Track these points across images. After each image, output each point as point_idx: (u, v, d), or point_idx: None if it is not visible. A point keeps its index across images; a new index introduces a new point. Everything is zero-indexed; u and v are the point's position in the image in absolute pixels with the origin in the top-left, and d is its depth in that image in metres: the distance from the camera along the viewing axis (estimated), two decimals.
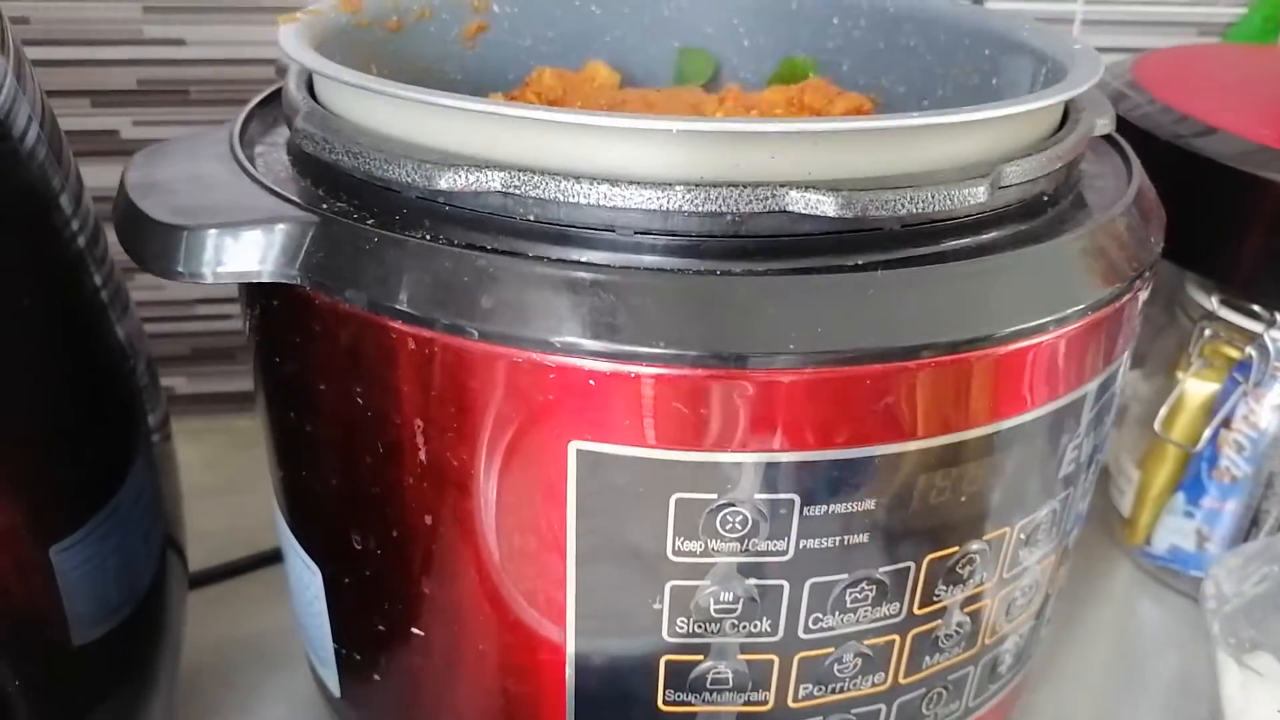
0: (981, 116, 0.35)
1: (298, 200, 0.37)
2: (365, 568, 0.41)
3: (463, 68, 0.58)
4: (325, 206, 0.38)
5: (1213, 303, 0.62)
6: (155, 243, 0.36)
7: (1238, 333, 0.62)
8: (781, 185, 0.33)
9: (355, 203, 0.38)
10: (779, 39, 0.61)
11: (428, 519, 0.37)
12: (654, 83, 0.62)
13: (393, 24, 0.53)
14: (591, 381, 0.33)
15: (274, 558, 0.67)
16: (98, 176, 0.77)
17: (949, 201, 0.34)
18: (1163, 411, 0.65)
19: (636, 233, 0.34)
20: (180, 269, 0.36)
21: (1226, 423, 0.63)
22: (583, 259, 0.34)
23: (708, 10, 0.61)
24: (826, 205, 0.33)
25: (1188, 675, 0.64)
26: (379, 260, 0.35)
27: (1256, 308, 0.60)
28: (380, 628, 0.42)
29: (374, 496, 0.39)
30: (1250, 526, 0.65)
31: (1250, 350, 0.61)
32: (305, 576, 0.45)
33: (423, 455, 0.36)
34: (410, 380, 0.35)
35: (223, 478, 0.73)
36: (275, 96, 0.49)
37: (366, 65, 0.52)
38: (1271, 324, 0.60)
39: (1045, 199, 0.40)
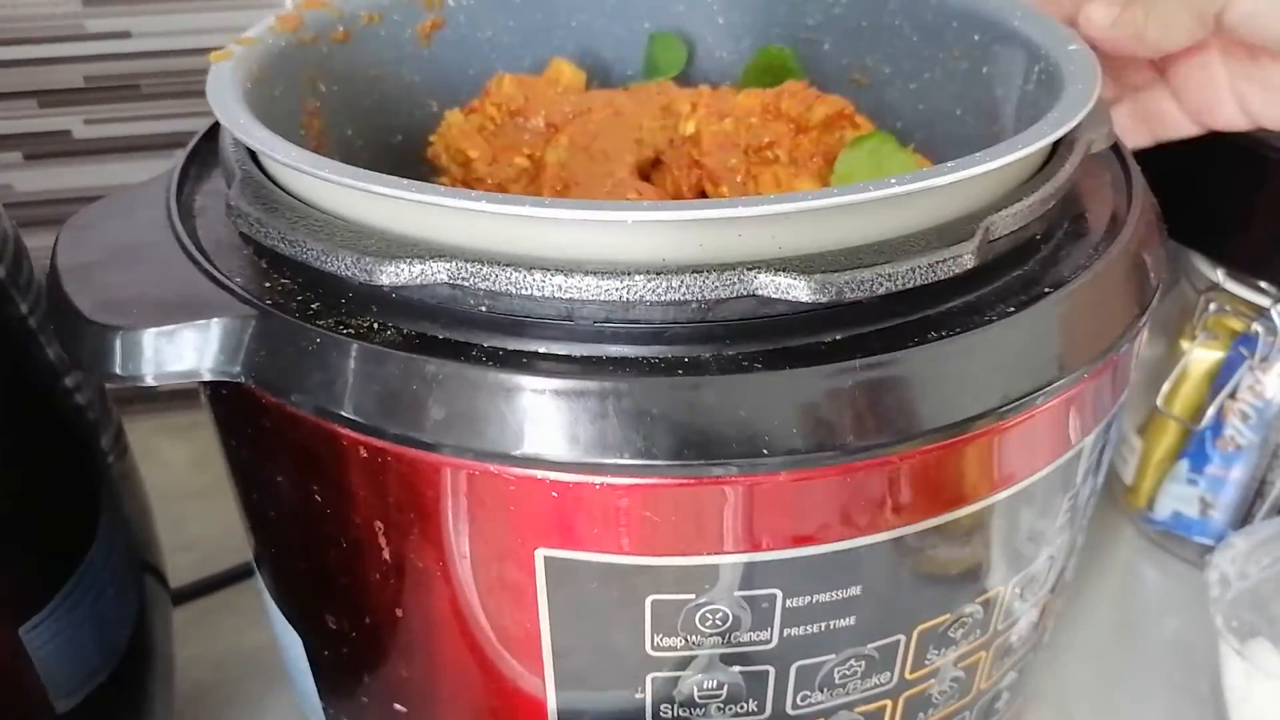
0: (969, 174, 0.32)
1: (238, 287, 0.35)
2: (343, 646, 0.40)
3: (420, 69, 0.54)
4: (269, 286, 0.36)
5: (1218, 275, 0.60)
6: (89, 343, 0.34)
7: (1243, 305, 0.60)
8: (750, 268, 0.31)
9: (300, 281, 0.35)
10: (755, 15, 0.57)
11: (398, 611, 0.36)
12: (625, 69, 0.59)
13: (339, 35, 0.50)
14: (554, 493, 0.31)
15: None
16: (56, 178, 0.75)
17: (932, 273, 0.32)
18: (1165, 387, 0.63)
19: (596, 322, 0.32)
20: (117, 371, 0.34)
21: (1231, 394, 0.61)
22: (540, 350, 0.32)
23: None
24: (799, 290, 0.31)
25: (1189, 643, 0.63)
26: (323, 363, 0.32)
27: (1264, 284, 0.58)
28: (363, 699, 0.41)
29: (343, 585, 0.37)
30: (1255, 497, 0.63)
31: (1257, 326, 0.59)
32: (288, 637, 0.44)
33: (386, 555, 0.35)
34: (365, 485, 0.33)
35: (212, 477, 0.67)
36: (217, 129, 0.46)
37: (313, 85, 0.49)
38: (1278, 300, 0.57)
39: (1037, 239, 0.37)
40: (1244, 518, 0.64)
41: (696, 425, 0.30)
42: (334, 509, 0.35)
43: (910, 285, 0.32)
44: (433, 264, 0.32)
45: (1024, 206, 0.34)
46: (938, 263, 0.32)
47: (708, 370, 0.31)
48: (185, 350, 0.33)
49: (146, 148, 0.72)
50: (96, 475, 0.46)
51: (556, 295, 0.31)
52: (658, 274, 0.31)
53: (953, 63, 0.51)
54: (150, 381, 0.34)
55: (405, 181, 0.32)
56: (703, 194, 0.47)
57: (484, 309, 0.32)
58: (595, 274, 0.31)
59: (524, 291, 0.31)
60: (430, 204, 0.31)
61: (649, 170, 0.49)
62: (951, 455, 0.32)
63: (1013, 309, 0.34)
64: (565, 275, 0.31)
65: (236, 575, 0.65)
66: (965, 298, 0.34)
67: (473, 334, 0.33)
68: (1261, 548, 0.57)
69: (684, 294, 0.31)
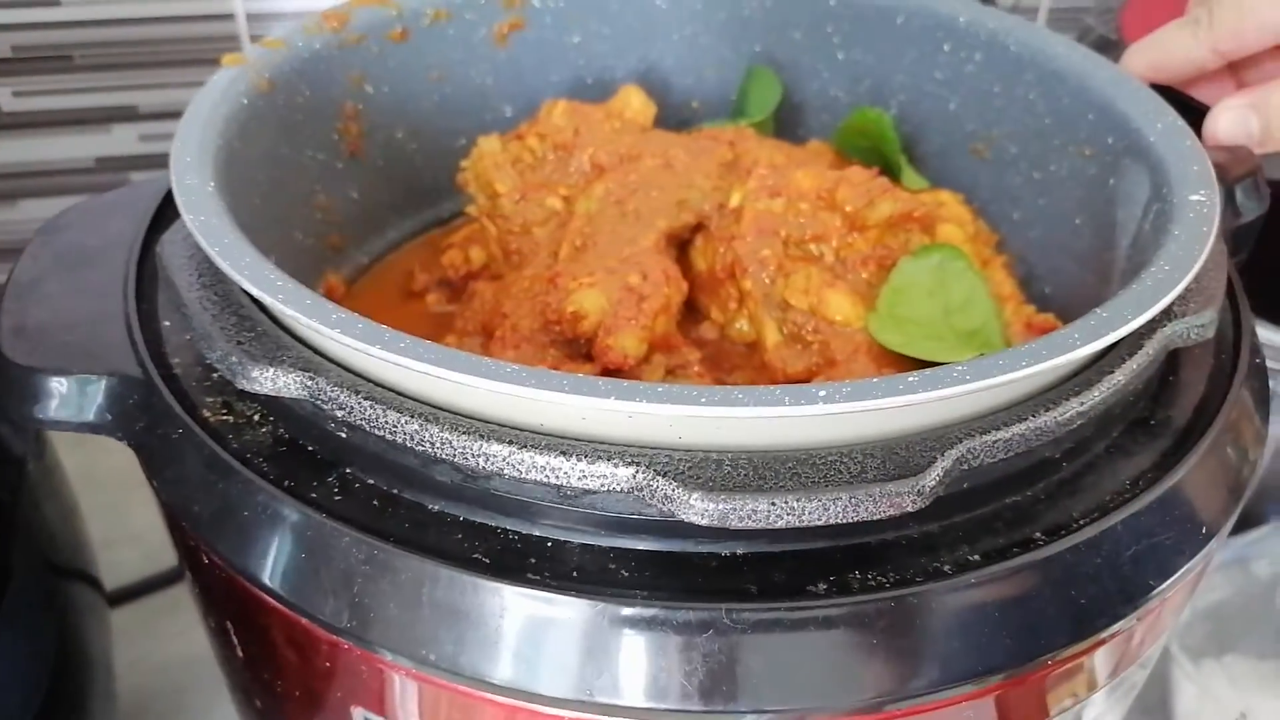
0: (922, 399, 0.25)
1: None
2: None
3: (494, 71, 0.50)
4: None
5: None
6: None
7: None
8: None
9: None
10: (880, 57, 0.49)
11: None
12: (717, 97, 0.52)
13: (396, 33, 0.46)
14: None
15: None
16: None
17: (853, 513, 0.25)
18: None
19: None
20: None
21: None
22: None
23: (797, 14, 0.50)
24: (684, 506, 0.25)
25: None
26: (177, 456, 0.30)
27: None
28: None
29: None
30: None
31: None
32: None
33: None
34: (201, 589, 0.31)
35: None
36: None
37: (357, 86, 0.46)
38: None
39: (1055, 459, 0.29)
40: None
41: None
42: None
43: (824, 523, 0.25)
44: (295, 375, 0.28)
45: (1018, 433, 0.27)
46: (860, 501, 0.25)
47: None
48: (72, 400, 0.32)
49: (80, 122, 0.68)
50: (8, 487, 0.42)
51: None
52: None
53: (1082, 162, 0.42)
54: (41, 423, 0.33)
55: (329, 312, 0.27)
56: (732, 276, 0.41)
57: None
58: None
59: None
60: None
61: (688, 236, 0.43)
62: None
63: (977, 559, 0.27)
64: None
65: (181, 572, 0.58)
66: (923, 527, 0.28)
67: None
68: (1221, 570, 0.53)
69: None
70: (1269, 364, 0.52)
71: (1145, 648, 0.31)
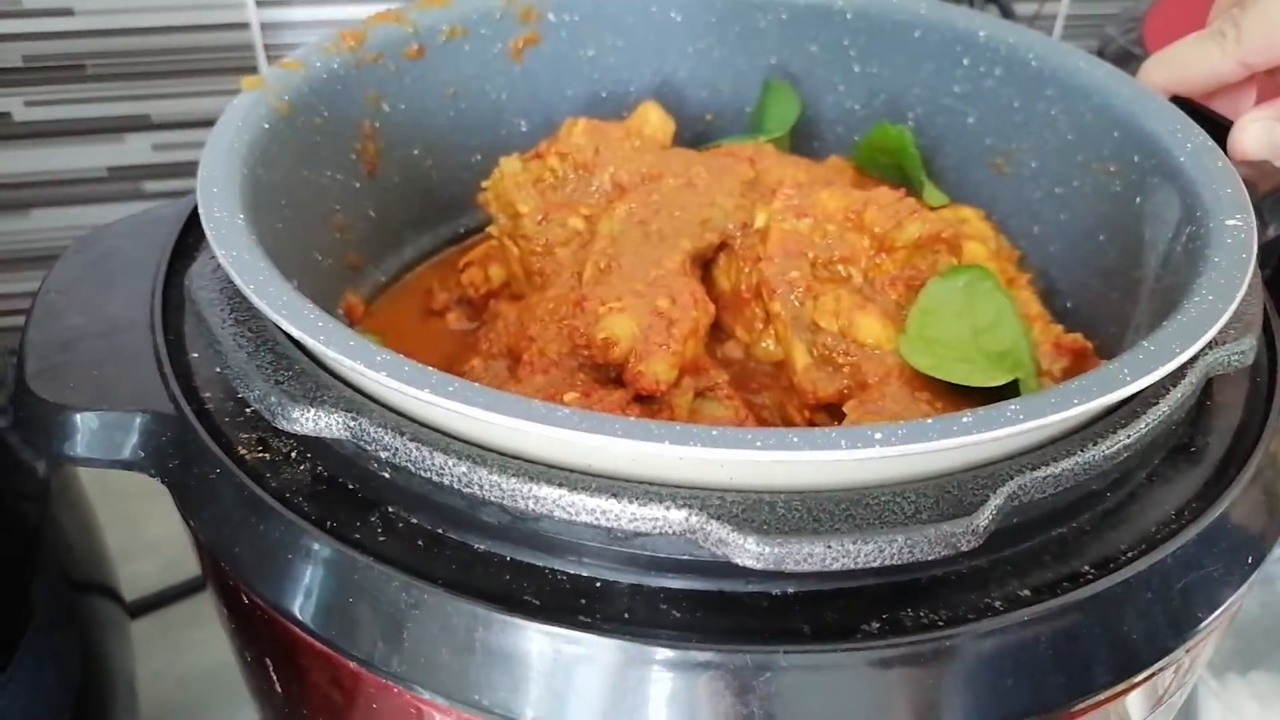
0: (973, 440, 0.25)
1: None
2: None
3: (509, 86, 0.50)
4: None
5: None
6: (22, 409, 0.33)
7: None
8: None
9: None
10: (896, 70, 0.49)
11: None
12: (732, 110, 0.52)
13: (412, 51, 0.46)
14: None
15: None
16: None
17: (910, 554, 0.25)
18: None
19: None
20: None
21: None
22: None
23: (813, 27, 0.50)
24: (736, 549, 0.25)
25: None
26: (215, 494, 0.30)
27: None
28: None
29: None
30: None
31: None
32: None
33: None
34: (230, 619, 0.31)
35: None
36: None
37: (375, 105, 0.45)
38: None
39: (1101, 491, 0.29)
40: None
41: None
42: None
43: (879, 565, 0.25)
44: (336, 415, 0.28)
45: (1068, 468, 0.27)
46: (916, 543, 0.25)
47: None
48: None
49: (92, 131, 0.67)
50: (32, 500, 0.42)
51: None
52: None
53: (1106, 179, 0.42)
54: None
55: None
56: (758, 296, 0.41)
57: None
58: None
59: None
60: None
61: (713, 256, 0.43)
62: None
63: (1027, 594, 0.27)
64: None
65: (200, 583, 0.59)
66: (972, 562, 0.28)
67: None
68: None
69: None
70: None
71: (1190, 674, 0.31)
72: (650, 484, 0.26)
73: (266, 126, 0.39)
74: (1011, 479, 0.26)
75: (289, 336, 0.30)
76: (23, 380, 0.33)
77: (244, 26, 0.64)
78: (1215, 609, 0.28)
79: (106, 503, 0.50)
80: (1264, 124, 0.39)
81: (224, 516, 0.30)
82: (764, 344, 0.41)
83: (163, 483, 0.32)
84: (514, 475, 0.26)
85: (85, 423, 0.32)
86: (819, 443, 0.25)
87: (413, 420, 0.28)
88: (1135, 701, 0.29)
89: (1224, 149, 0.44)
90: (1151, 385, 0.30)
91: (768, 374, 0.41)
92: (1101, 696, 0.27)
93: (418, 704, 0.27)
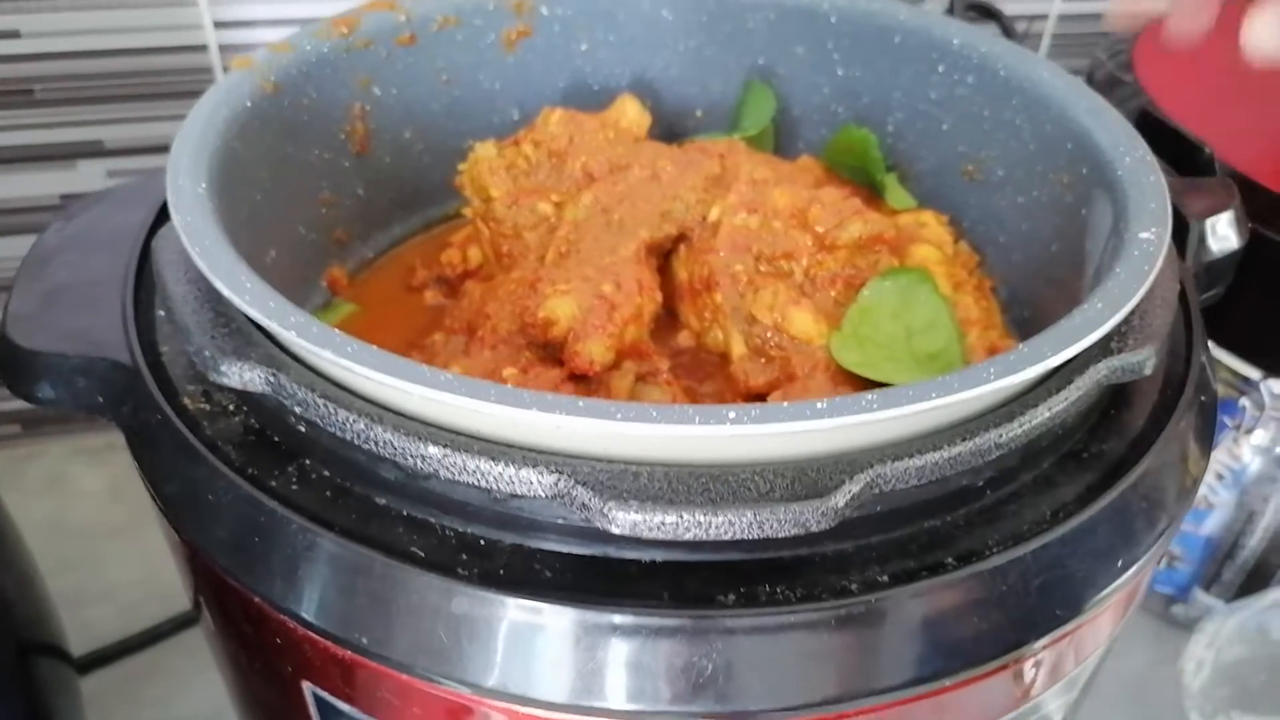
0: (821, 426, 0.26)
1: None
2: None
3: (501, 76, 0.52)
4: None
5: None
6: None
7: (1229, 372, 0.56)
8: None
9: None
10: (878, 75, 0.50)
11: None
12: (721, 107, 0.53)
13: (404, 38, 0.48)
14: None
15: (195, 618, 0.51)
16: None
17: (758, 529, 0.27)
18: None
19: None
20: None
21: None
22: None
23: (800, 29, 0.51)
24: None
25: (1148, 687, 0.61)
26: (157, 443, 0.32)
27: None
28: None
29: None
30: (1225, 557, 0.62)
31: (1244, 402, 0.56)
32: None
33: None
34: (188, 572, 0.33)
35: (132, 509, 0.58)
36: None
37: (365, 89, 0.48)
38: (1268, 375, 0.54)
39: (979, 485, 0.30)
40: (1213, 576, 0.63)
41: None
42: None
43: (731, 538, 0.27)
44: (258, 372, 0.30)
45: (931, 461, 0.28)
46: (765, 519, 0.26)
47: None
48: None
49: (42, 158, 0.64)
50: None
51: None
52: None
53: (1060, 190, 0.42)
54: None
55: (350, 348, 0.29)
56: (708, 288, 0.42)
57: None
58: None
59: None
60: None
61: (671, 246, 0.44)
62: None
63: (885, 579, 0.28)
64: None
65: (161, 632, 0.55)
66: (837, 545, 0.29)
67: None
68: (1239, 634, 0.56)
69: None
70: (1275, 414, 0.53)
71: (1064, 671, 0.32)
72: (531, 450, 0.28)
73: (249, 104, 0.41)
74: (871, 467, 0.27)
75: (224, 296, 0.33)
76: (3, 327, 0.36)
77: (201, 49, 0.63)
78: (1074, 609, 0.29)
79: (60, 543, 0.49)
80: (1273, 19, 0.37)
81: (161, 459, 0.32)
82: (713, 334, 0.43)
83: (118, 426, 0.35)
84: (405, 434, 0.28)
85: (53, 368, 0.35)
86: (675, 418, 0.26)
87: (326, 379, 0.30)
88: (996, 690, 0.30)
89: (1197, 162, 0.45)
90: (1039, 390, 0.31)
91: (714, 364, 0.43)
92: (947, 683, 0.28)
93: (310, 639, 0.30)
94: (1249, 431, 0.57)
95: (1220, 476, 0.59)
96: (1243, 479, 0.59)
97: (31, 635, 0.43)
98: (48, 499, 0.56)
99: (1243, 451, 0.58)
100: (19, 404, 0.69)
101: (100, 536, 0.50)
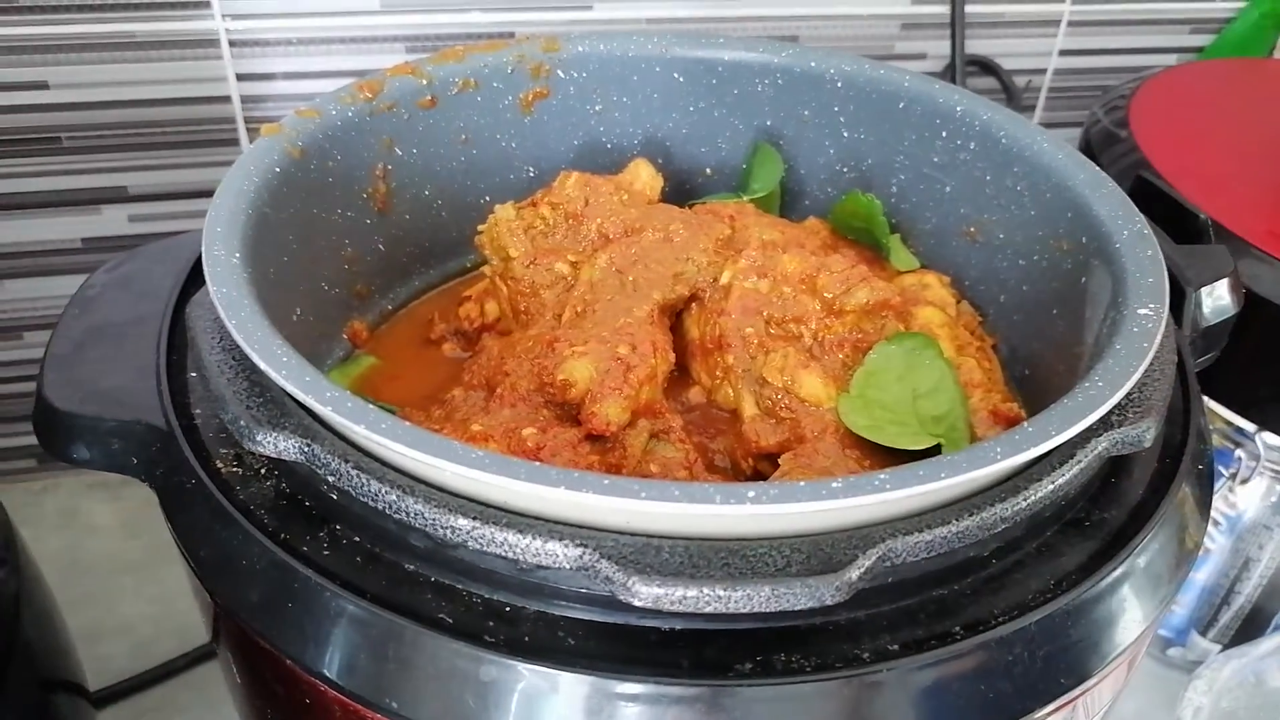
0: (818, 507, 0.28)
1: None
2: None
3: (518, 136, 0.53)
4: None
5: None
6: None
7: (1223, 422, 0.58)
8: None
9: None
10: (882, 138, 0.51)
11: None
12: (730, 166, 0.55)
13: (426, 101, 0.50)
14: None
15: (208, 654, 0.56)
16: None
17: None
18: None
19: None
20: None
21: None
22: None
23: (807, 93, 0.52)
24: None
25: None
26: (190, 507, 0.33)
27: None
28: None
29: None
30: (1221, 603, 0.63)
31: (1240, 454, 0.57)
32: None
33: None
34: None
35: (146, 544, 0.60)
36: None
37: (388, 149, 0.49)
38: (1261, 428, 0.56)
39: (985, 557, 0.32)
40: (1209, 621, 0.64)
41: None
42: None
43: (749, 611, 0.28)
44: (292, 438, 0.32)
45: (940, 535, 0.29)
46: (782, 594, 0.27)
47: None
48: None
49: (68, 203, 0.67)
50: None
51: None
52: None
53: (1060, 256, 0.44)
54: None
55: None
56: (720, 348, 0.43)
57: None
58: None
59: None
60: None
61: (684, 306, 0.46)
62: None
63: (896, 649, 0.29)
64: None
65: (174, 668, 0.56)
66: (850, 615, 0.30)
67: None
68: (1236, 680, 0.57)
69: None
70: (1277, 468, 0.54)
71: None
72: (556, 523, 0.29)
73: (278, 170, 0.43)
74: (883, 541, 0.29)
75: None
76: (40, 389, 0.37)
77: (225, 100, 0.66)
78: (1079, 677, 0.30)
79: (74, 580, 0.49)
80: None
81: (194, 521, 0.34)
82: (723, 391, 0.44)
83: (151, 487, 0.36)
84: (436, 506, 0.30)
85: (89, 430, 0.36)
86: (697, 497, 0.28)
87: (358, 449, 0.32)
88: None
89: (1192, 229, 0.46)
90: (1042, 464, 0.32)
91: (725, 420, 0.44)
92: None
93: (340, 701, 0.31)
94: (1244, 481, 0.58)
95: (1216, 523, 0.60)
96: (1239, 526, 0.60)
97: (52, 672, 0.44)
98: (62, 534, 0.56)
99: (1239, 500, 0.59)
100: (34, 439, 0.71)
101: (114, 572, 0.50)
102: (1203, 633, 0.65)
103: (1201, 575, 0.63)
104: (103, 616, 0.54)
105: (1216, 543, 0.61)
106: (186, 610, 0.49)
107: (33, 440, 0.72)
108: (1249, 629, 0.63)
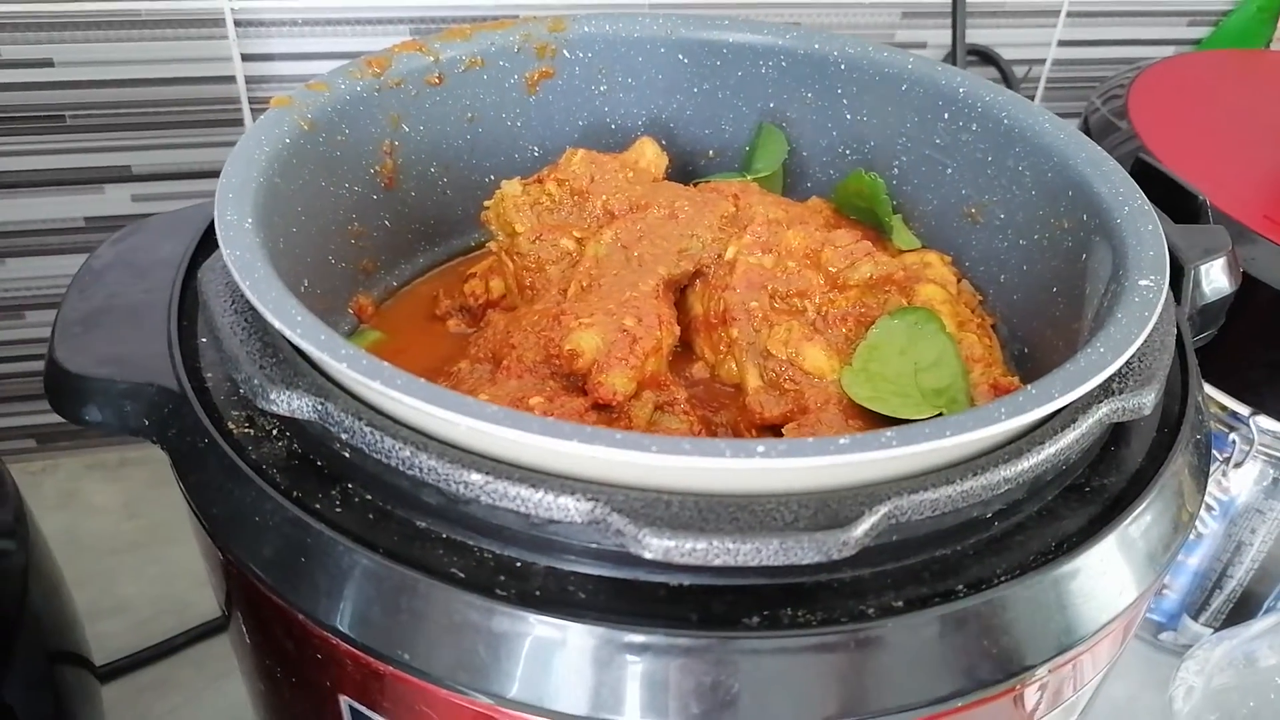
0: (815, 464, 0.28)
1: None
2: None
3: (523, 115, 0.54)
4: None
5: None
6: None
7: (1219, 406, 0.58)
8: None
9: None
10: (884, 120, 0.52)
11: None
12: (733, 147, 0.55)
13: (433, 79, 0.50)
14: None
15: (207, 631, 0.57)
16: None
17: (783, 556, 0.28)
18: None
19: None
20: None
21: None
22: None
23: (810, 75, 0.53)
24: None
25: (1137, 711, 0.62)
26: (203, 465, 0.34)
27: None
28: None
29: None
30: (1214, 587, 0.64)
31: (1234, 437, 0.58)
32: None
33: None
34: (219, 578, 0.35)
35: (144, 525, 0.60)
36: None
37: (395, 125, 0.49)
38: (1256, 412, 0.57)
39: (987, 518, 0.32)
40: (1201, 605, 0.65)
41: None
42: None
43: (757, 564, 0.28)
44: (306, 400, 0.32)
45: (945, 495, 0.30)
46: (790, 547, 0.28)
47: None
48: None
49: (71, 182, 0.67)
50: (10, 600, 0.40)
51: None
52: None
53: (1060, 235, 0.44)
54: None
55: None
56: (724, 322, 0.44)
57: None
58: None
59: None
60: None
61: (688, 282, 0.46)
62: None
63: (900, 605, 0.30)
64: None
65: (173, 646, 0.57)
66: (855, 572, 0.31)
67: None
68: (1228, 661, 0.57)
69: None
70: (1270, 452, 0.55)
71: (1064, 696, 0.34)
72: (567, 478, 0.30)
73: (288, 141, 0.43)
74: (889, 499, 0.29)
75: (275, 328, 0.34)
76: (52, 352, 0.37)
77: (230, 80, 0.66)
78: (1078, 637, 0.31)
79: (75, 558, 0.49)
80: None
81: (207, 480, 0.34)
82: (727, 366, 0.45)
83: (162, 449, 0.36)
84: (448, 461, 0.30)
85: (100, 393, 0.36)
86: (708, 451, 0.28)
87: (370, 408, 0.32)
88: (1002, 713, 0.32)
89: (1190, 209, 0.47)
90: (1045, 428, 0.33)
91: (728, 395, 0.45)
92: (958, 704, 0.30)
93: (352, 654, 0.31)
94: (1238, 465, 0.59)
95: (1209, 508, 0.61)
96: (1231, 511, 0.61)
97: (59, 645, 0.44)
98: (61, 514, 0.57)
99: (1233, 485, 0.60)
100: (33, 419, 0.71)
101: (113, 551, 0.50)
102: (1194, 617, 0.66)
103: (1194, 559, 0.63)
104: (102, 596, 0.55)
105: (1209, 527, 0.62)
106: (186, 589, 0.52)
107: (33, 420, 0.72)
108: (1240, 613, 0.64)
